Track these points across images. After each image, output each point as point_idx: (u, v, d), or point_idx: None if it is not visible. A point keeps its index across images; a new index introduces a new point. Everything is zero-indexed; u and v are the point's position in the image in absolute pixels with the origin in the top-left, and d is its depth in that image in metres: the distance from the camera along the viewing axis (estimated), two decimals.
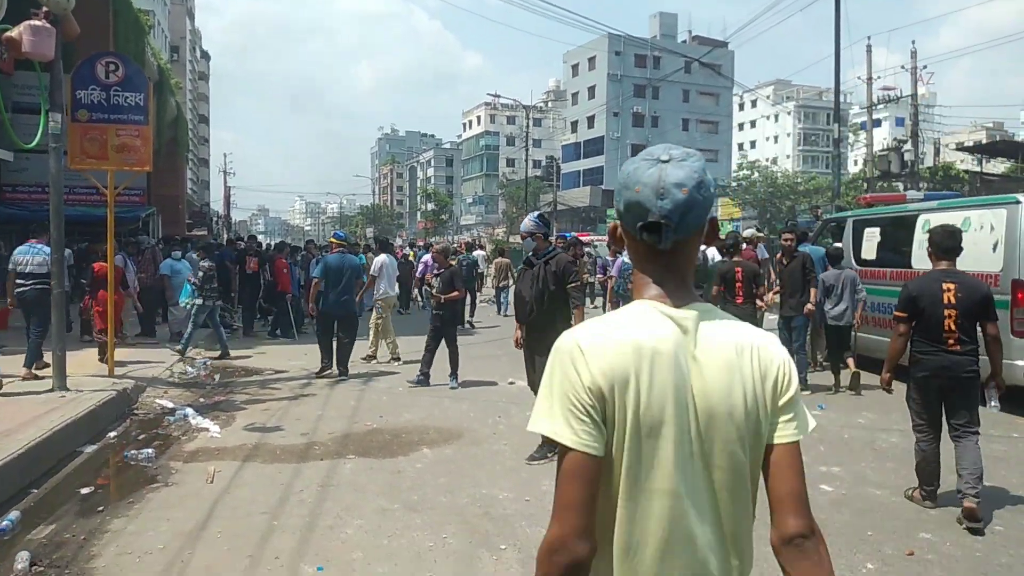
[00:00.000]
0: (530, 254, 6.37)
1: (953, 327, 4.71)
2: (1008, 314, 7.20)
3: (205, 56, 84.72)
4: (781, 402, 1.37)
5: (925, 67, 27.83)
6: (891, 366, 5.13)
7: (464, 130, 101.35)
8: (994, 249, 7.59)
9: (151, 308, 13.23)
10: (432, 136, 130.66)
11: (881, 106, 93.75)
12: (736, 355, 1.35)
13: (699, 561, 1.30)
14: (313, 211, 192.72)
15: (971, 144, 35.41)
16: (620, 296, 10.76)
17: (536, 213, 6.45)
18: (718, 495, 1.33)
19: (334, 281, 9.73)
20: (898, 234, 9.54)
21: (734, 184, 43.66)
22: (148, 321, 13.12)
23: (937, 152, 33.75)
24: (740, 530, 1.36)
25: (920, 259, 8.65)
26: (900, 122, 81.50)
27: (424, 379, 8.98)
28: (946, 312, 4.73)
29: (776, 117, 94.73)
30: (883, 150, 30.11)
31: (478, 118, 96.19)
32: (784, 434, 1.37)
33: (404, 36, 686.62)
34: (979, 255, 7.40)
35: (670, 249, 1.35)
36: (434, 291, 9.42)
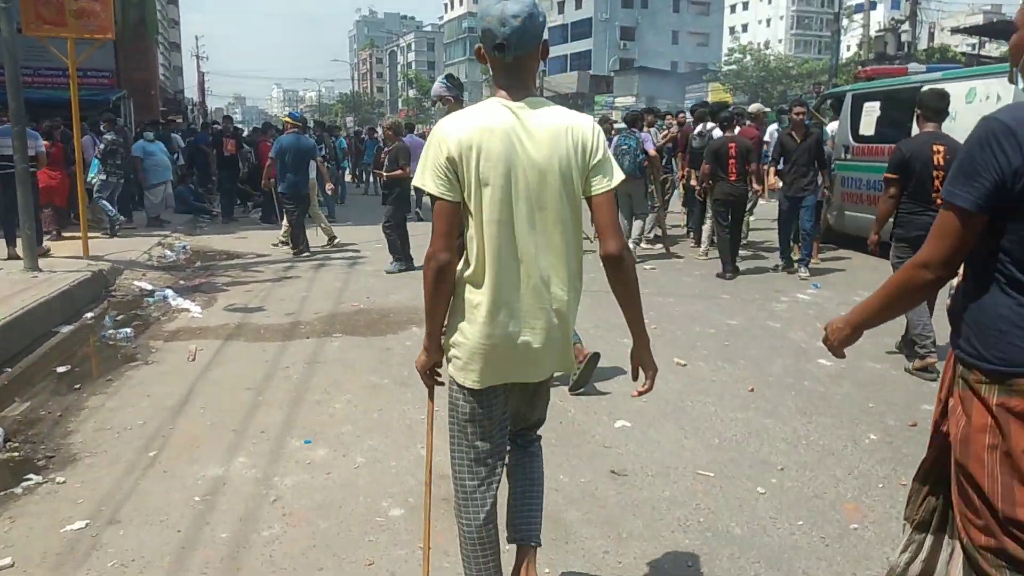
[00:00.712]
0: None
1: (940, 187, 4.71)
2: None
3: None
4: (592, 164, 2.01)
5: None
6: (880, 227, 5.20)
7: (446, 11, 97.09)
8: None
9: (124, 191, 12.75)
10: (412, 18, 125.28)
11: None
12: (555, 131, 1.98)
13: (525, 270, 2.01)
14: (291, 99, 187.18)
15: (968, 26, 34.21)
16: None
17: (445, 75, 5.64)
18: (548, 234, 2.01)
19: (295, 161, 9.54)
20: (899, 108, 9.14)
21: (725, 68, 42.27)
22: (122, 205, 12.68)
23: (932, 35, 32.66)
24: (564, 257, 2.04)
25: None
26: (896, 4, 78.90)
27: (402, 264, 8.64)
28: (935, 173, 4.82)
29: None
30: (879, 31, 29.04)
31: None
32: (597, 187, 2.02)
33: None
34: None
35: (512, 62, 1.97)
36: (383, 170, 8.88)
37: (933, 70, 10.48)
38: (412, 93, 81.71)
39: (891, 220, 5.15)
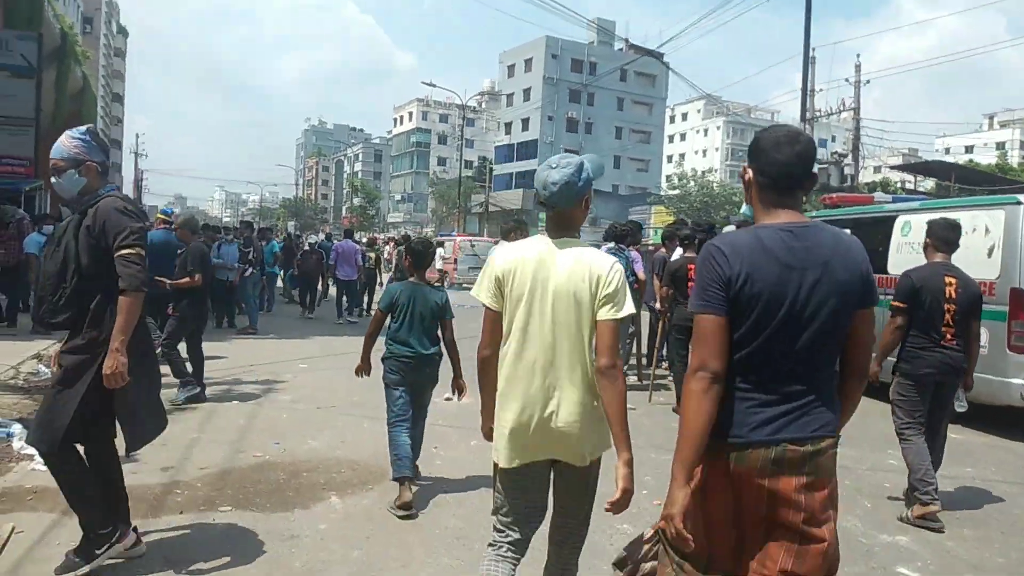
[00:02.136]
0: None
1: (951, 322, 4.64)
2: (1005, 326, 6.61)
3: (122, 32, 79.71)
4: (603, 294, 2.48)
5: (868, 81, 27.60)
6: (882, 359, 4.81)
7: (395, 125, 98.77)
8: (989, 254, 6.91)
9: (10, 291, 11.02)
10: (361, 130, 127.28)
11: (807, 125, 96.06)
12: (576, 264, 2.51)
13: (543, 369, 2.51)
14: (233, 201, 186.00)
15: (906, 164, 35.71)
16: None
17: (84, 128, 3.52)
18: (559, 342, 2.50)
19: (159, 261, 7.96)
20: (872, 237, 8.43)
21: (671, 192, 43.03)
22: (11, 306, 10.93)
23: (878, 168, 33.85)
24: (576, 363, 2.50)
25: (897, 264, 7.85)
26: (823, 143, 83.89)
27: (192, 388, 6.89)
28: (947, 307, 4.64)
29: (705, 131, 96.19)
30: (822, 163, 29.80)
31: (410, 114, 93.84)
32: (604, 314, 2.48)
33: (335, 29, 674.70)
34: (971, 260, 6.61)
35: (555, 214, 2.58)
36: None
37: (899, 200, 10.15)
38: (357, 201, 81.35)
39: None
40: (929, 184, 33.20)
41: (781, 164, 2.07)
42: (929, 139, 72.20)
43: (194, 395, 6.86)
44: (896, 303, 4.74)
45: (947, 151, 72.05)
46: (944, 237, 4.80)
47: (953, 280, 4.65)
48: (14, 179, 18.53)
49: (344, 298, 14.67)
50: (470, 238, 30.63)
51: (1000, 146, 73.62)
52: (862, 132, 28.89)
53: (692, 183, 42.61)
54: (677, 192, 42.51)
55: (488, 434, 2.69)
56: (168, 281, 7.17)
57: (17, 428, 5.65)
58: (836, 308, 1.99)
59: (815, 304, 1.98)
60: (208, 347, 10.24)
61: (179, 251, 7.75)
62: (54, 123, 24.23)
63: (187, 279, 7.04)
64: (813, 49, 20.90)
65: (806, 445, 1.95)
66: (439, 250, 26.61)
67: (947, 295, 4.62)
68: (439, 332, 4.67)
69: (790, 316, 1.97)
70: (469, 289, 23.43)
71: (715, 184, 42.76)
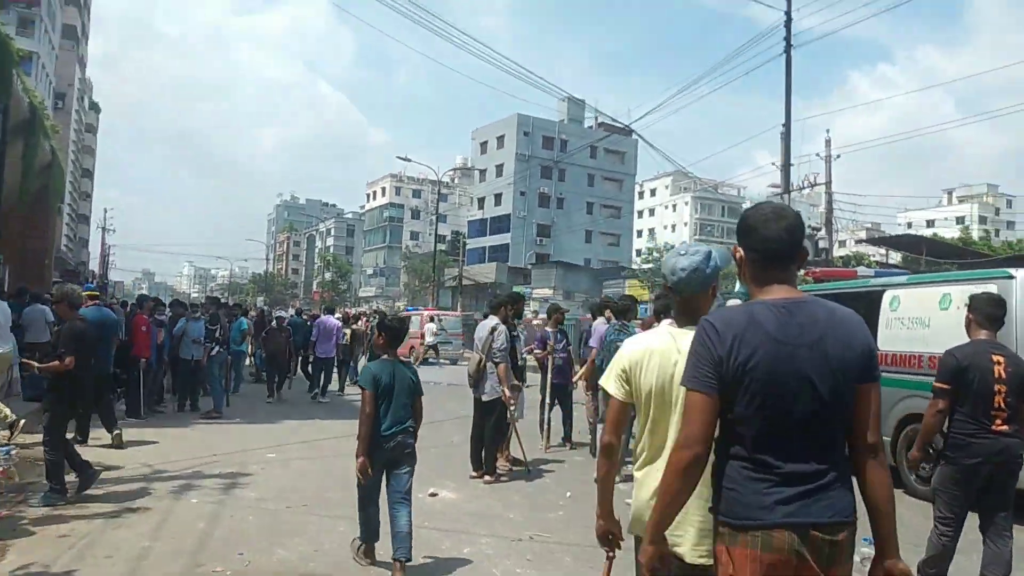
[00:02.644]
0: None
1: (1003, 405, 4.20)
2: None
3: (95, 107, 79.86)
4: None
5: (839, 156, 28.07)
6: (923, 443, 4.51)
7: (368, 200, 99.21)
8: None
9: None
10: (334, 205, 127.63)
11: (774, 199, 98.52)
12: None
13: None
14: (202, 276, 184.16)
15: (877, 237, 36.30)
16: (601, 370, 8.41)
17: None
18: None
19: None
20: (859, 312, 8.11)
21: (645, 267, 43.14)
22: None
23: (843, 243, 34.24)
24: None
25: (887, 340, 7.63)
26: None
27: (58, 497, 5.98)
28: (996, 387, 4.19)
29: (674, 207, 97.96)
30: None
31: (383, 189, 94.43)
32: None
33: (307, 106, 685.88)
34: (964, 336, 6.41)
35: (682, 300, 2.61)
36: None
37: (881, 274, 10.00)
38: (328, 276, 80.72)
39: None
40: (897, 257, 33.76)
41: (770, 240, 2.08)
42: (891, 214, 74.02)
43: (57, 502, 5.95)
44: (939, 384, 4.32)
45: (909, 225, 73.94)
46: (989, 313, 4.42)
47: (1001, 358, 4.24)
48: None
49: (321, 375, 14.09)
50: (437, 312, 30.09)
51: (960, 220, 75.76)
52: (834, 206, 29.38)
53: (666, 256, 42.80)
54: (651, 266, 42.59)
55: (604, 535, 2.62)
56: (37, 365, 6.43)
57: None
58: (834, 384, 1.95)
59: (811, 380, 1.95)
60: (168, 433, 9.53)
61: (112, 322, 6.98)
62: (21, 197, 23.61)
63: (57, 362, 6.19)
64: (783, 125, 21.21)
65: (824, 531, 1.91)
66: (430, 324, 26.75)
67: (996, 374, 4.19)
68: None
69: (786, 392, 1.94)
70: (435, 364, 22.10)
71: None
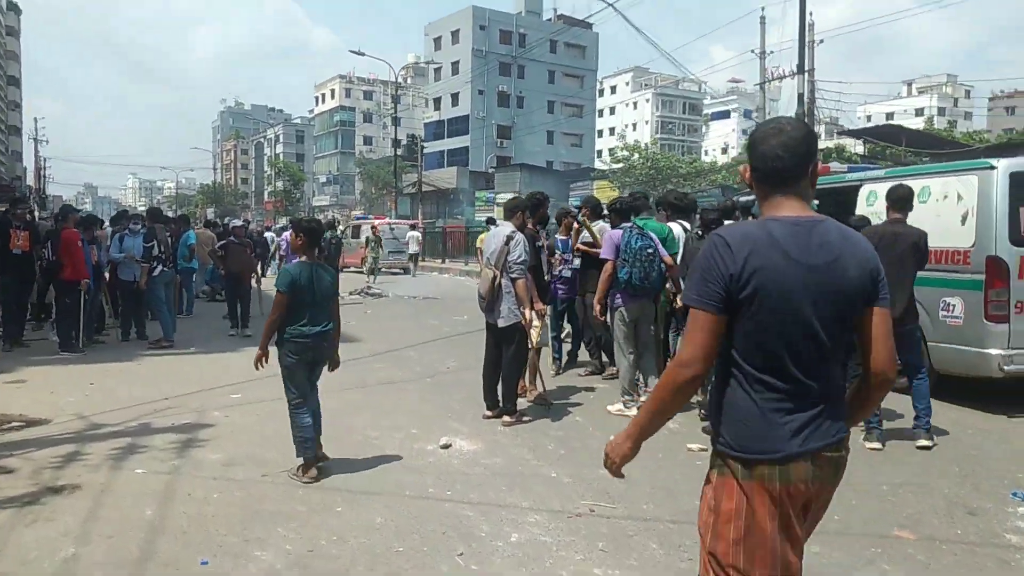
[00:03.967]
0: None
1: None
2: (982, 295, 6.34)
3: (13, 8, 73.14)
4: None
5: (822, 41, 26.42)
6: None
7: (317, 104, 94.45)
8: (963, 222, 6.62)
9: None
10: (280, 111, 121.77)
11: (732, 97, 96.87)
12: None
13: None
14: (148, 189, 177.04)
15: (859, 128, 35.12)
16: (633, 286, 6.28)
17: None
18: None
19: None
20: (836, 208, 7.65)
21: (615, 166, 41.30)
22: None
23: (831, 134, 33.03)
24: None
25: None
26: (748, 114, 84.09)
27: None
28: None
29: (635, 104, 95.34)
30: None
31: (332, 91, 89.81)
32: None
33: (245, 4, 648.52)
34: (944, 229, 6.57)
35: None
36: None
37: (855, 170, 9.83)
38: (280, 184, 77.21)
39: None
40: (860, 149, 32.71)
41: (767, 157, 1.99)
42: (852, 107, 72.82)
43: None
44: None
45: (869, 118, 72.84)
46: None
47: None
48: None
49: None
50: (389, 222, 29.20)
51: (919, 112, 75.09)
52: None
53: (637, 155, 41.01)
54: (621, 166, 40.79)
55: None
56: None
57: None
58: (846, 306, 1.93)
59: (824, 302, 1.90)
60: (109, 371, 8.05)
61: None
62: None
63: None
64: (763, 9, 19.46)
65: (832, 451, 1.94)
66: (413, 233, 26.66)
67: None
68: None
69: (799, 313, 1.88)
70: (392, 274, 20.60)
71: (659, 157, 41.10)
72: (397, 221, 31.66)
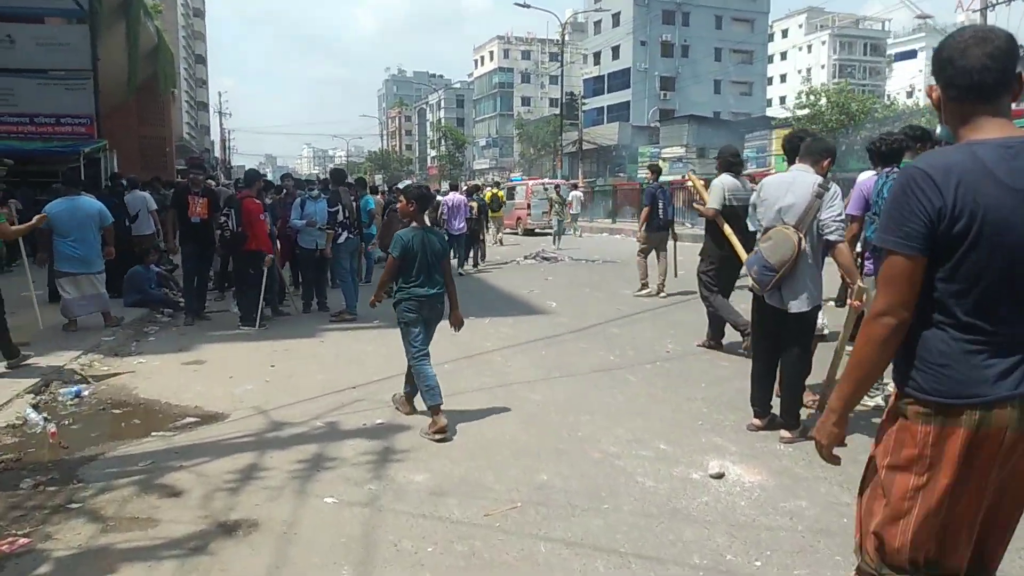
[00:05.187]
0: None
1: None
2: None
3: None
4: None
5: None
6: None
7: (476, 67, 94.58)
8: None
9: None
10: (441, 76, 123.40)
11: (920, 35, 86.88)
12: None
13: None
14: (320, 158, 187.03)
15: None
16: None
17: None
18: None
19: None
20: None
21: (799, 113, 37.49)
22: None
23: None
24: None
25: None
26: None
27: None
28: None
29: (809, 48, 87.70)
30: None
31: (491, 53, 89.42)
32: None
33: None
34: None
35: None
36: None
37: None
38: (444, 149, 78.14)
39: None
40: None
41: (971, 70, 1.71)
42: None
43: None
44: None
45: None
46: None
47: None
48: (76, 140, 15.98)
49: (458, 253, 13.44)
50: (542, 182, 28.01)
51: None
52: None
53: (824, 100, 36.87)
54: (807, 112, 36.88)
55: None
56: None
57: None
58: None
59: None
60: (291, 350, 7.27)
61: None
62: (130, 82, 21.73)
63: None
64: None
65: None
66: (575, 193, 26.02)
67: None
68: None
69: (1017, 248, 1.65)
70: (543, 235, 19.30)
71: (852, 102, 36.51)
72: (553, 181, 30.37)
